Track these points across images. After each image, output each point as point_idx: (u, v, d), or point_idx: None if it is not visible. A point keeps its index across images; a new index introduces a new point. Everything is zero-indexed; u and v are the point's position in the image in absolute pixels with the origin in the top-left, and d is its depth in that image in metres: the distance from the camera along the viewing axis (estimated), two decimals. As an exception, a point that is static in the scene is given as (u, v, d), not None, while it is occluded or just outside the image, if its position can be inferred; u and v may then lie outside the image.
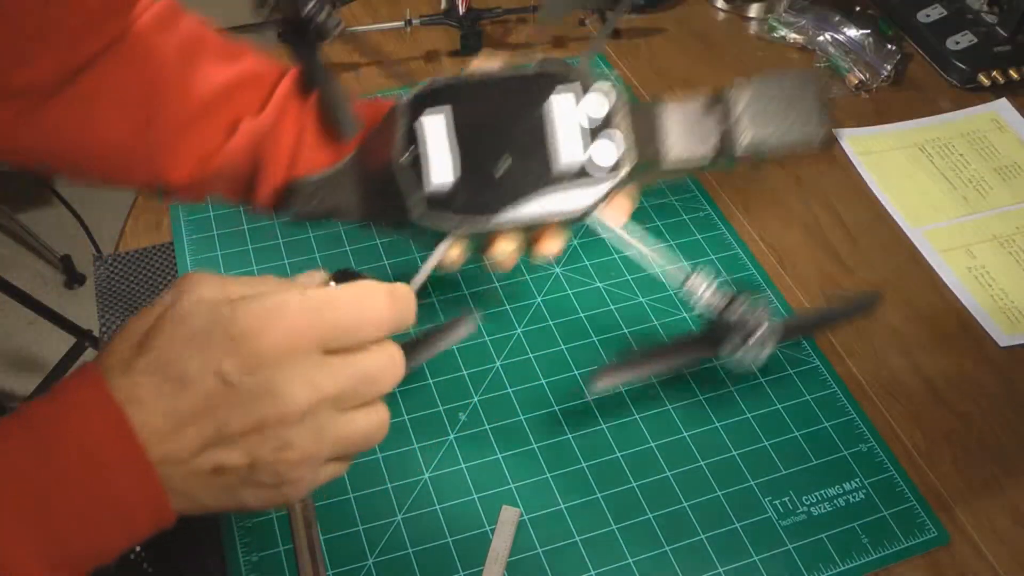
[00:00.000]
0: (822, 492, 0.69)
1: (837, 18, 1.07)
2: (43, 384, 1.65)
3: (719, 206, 0.89)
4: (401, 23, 1.00)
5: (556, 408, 0.73)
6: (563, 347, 0.77)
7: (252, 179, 0.64)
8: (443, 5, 1.07)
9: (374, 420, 0.47)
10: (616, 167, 0.58)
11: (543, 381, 0.74)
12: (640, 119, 0.60)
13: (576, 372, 0.75)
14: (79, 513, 0.41)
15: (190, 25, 0.64)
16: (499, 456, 0.70)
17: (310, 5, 0.60)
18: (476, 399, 0.73)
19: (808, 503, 0.68)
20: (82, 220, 1.76)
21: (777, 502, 0.68)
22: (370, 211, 0.61)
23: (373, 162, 0.60)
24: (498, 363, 0.76)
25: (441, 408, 0.72)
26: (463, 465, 0.69)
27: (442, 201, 0.57)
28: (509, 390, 0.74)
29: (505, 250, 0.61)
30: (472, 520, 0.66)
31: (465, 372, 0.74)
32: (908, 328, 0.81)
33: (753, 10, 1.14)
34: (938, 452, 0.72)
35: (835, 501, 0.68)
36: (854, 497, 0.69)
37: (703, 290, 0.59)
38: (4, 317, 1.89)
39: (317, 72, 0.63)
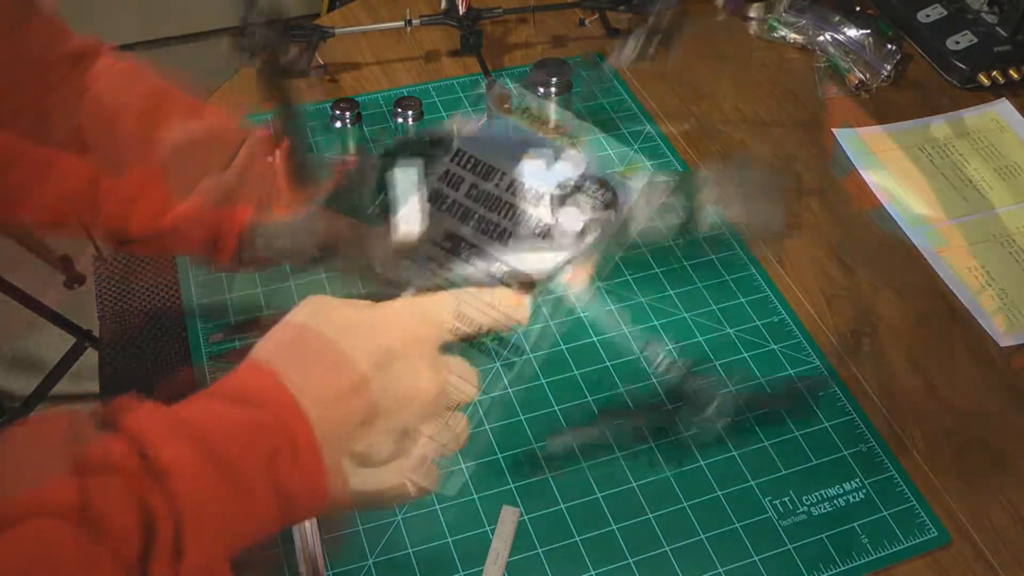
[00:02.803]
0: (822, 492, 0.69)
1: (837, 18, 1.07)
2: (43, 384, 1.65)
3: (719, 206, 0.89)
4: (401, 23, 1.00)
5: (556, 408, 0.73)
6: (563, 347, 0.77)
7: (215, 236, 0.65)
8: (443, 5, 1.07)
9: (463, 423, 0.54)
10: (582, 234, 0.60)
11: (543, 381, 0.74)
12: (609, 189, 0.63)
13: (576, 372, 0.75)
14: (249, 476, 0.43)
15: (154, 82, 0.66)
16: (499, 456, 0.70)
17: (291, 52, 0.65)
18: (476, 399, 0.73)
19: (808, 503, 0.68)
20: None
21: (777, 502, 0.68)
22: (329, 256, 0.62)
23: (340, 210, 0.62)
24: (498, 363, 0.75)
25: (441, 408, 0.72)
26: (463, 465, 0.69)
27: (405, 252, 0.59)
28: (509, 390, 0.74)
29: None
30: (472, 520, 0.66)
31: (465, 372, 0.74)
32: (908, 328, 0.81)
33: (753, 10, 1.14)
34: (938, 452, 0.72)
35: (835, 501, 0.68)
36: (854, 497, 0.69)
37: (660, 359, 0.60)
38: (4, 317, 1.89)
39: (291, 116, 0.66)
